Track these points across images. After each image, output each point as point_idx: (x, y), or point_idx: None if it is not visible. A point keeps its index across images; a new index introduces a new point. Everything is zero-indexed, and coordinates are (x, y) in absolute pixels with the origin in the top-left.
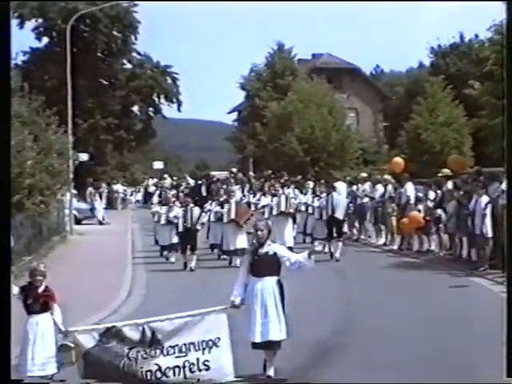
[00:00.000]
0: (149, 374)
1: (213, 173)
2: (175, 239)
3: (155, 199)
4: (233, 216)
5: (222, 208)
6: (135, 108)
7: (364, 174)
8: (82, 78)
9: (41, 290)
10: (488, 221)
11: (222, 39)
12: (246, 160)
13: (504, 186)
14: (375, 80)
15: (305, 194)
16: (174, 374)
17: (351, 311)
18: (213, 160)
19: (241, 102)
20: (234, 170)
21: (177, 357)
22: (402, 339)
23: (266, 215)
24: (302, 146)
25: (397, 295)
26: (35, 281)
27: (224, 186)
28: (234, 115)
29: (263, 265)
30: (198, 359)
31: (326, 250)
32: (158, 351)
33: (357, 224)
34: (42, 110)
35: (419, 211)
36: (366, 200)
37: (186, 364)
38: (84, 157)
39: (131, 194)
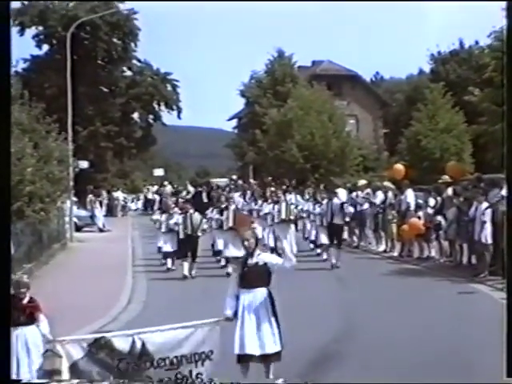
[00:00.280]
0: None
1: (213, 180)
2: (177, 246)
3: (156, 207)
4: (231, 224)
5: (222, 215)
6: (135, 115)
7: (363, 181)
8: (82, 85)
9: (25, 301)
10: (488, 227)
11: (221, 46)
12: (246, 167)
13: (504, 192)
14: (375, 87)
15: (307, 201)
16: None
17: (351, 318)
18: (213, 167)
19: (241, 109)
20: (234, 176)
21: (168, 369)
22: (403, 345)
23: (269, 222)
24: (302, 153)
25: (397, 302)
26: (19, 293)
27: (224, 193)
28: (234, 122)
29: (253, 276)
30: (190, 371)
31: (325, 256)
32: (148, 363)
33: (357, 231)
34: (42, 117)
35: (419, 218)
36: (365, 207)
37: (179, 376)
38: (84, 164)
39: (132, 201)
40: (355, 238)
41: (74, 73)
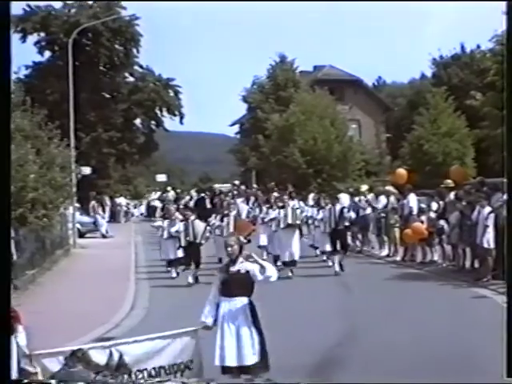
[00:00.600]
0: None
1: (216, 185)
2: (179, 253)
3: (158, 213)
4: (231, 230)
5: (223, 222)
6: (137, 121)
7: (365, 186)
8: (84, 91)
9: None
10: (490, 231)
11: (224, 52)
12: (248, 172)
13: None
14: (377, 91)
15: (312, 207)
16: None
17: (354, 322)
18: (215, 173)
19: (243, 115)
20: (237, 182)
21: (146, 381)
22: (405, 349)
23: (273, 228)
24: (305, 158)
25: (400, 306)
26: None
27: (228, 199)
28: (237, 128)
29: (234, 284)
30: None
31: (330, 263)
32: (125, 375)
33: (360, 235)
34: (44, 123)
35: (422, 222)
36: (368, 211)
37: None
38: (87, 170)
39: (134, 207)
40: (358, 243)
41: (76, 79)
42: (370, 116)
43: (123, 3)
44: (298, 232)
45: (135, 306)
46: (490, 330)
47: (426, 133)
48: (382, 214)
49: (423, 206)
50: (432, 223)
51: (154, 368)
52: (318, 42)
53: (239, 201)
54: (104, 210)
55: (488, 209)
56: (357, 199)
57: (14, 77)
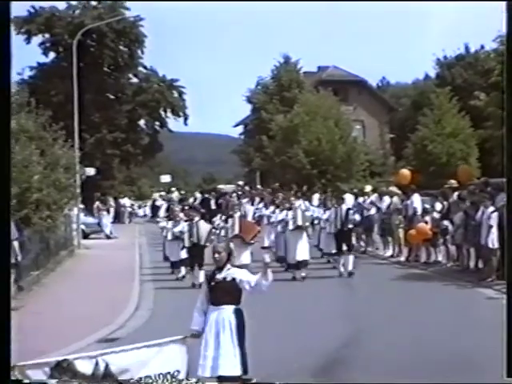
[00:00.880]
0: None
1: (220, 186)
2: (183, 254)
3: (162, 214)
4: (237, 231)
5: (227, 223)
6: (142, 122)
7: (369, 187)
8: (88, 92)
9: None
10: (494, 231)
11: (228, 53)
12: (252, 173)
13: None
14: (381, 92)
15: (318, 207)
16: None
17: (358, 323)
18: (220, 173)
19: (247, 115)
20: (241, 183)
21: None
22: (408, 349)
23: (279, 229)
24: (309, 159)
25: (404, 306)
26: None
27: (234, 199)
28: (241, 128)
29: (220, 292)
30: None
31: (335, 265)
32: None
33: (364, 236)
34: (48, 124)
35: (426, 223)
36: (373, 212)
37: None
38: (91, 171)
39: (139, 208)
40: (362, 243)
41: (80, 80)
42: (374, 116)
43: (127, 4)
44: (305, 234)
45: (140, 307)
46: (493, 331)
47: (430, 133)
48: (387, 215)
49: (427, 206)
50: (436, 223)
51: (140, 378)
52: (322, 43)
53: (244, 201)
54: (108, 211)
55: (492, 209)
56: (361, 200)
57: (18, 78)
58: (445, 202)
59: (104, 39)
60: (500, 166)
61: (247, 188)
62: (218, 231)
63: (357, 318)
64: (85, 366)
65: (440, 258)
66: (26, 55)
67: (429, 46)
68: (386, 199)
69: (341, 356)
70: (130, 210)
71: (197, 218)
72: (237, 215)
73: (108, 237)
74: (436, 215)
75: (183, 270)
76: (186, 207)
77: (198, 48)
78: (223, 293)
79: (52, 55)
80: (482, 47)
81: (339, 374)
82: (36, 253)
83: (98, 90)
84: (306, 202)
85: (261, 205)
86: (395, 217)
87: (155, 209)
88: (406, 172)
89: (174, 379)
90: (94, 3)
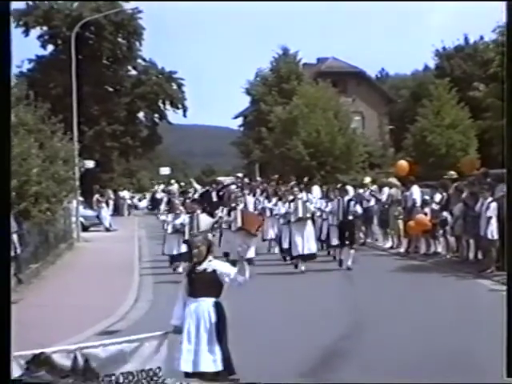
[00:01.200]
0: None
1: (219, 178)
2: (183, 248)
3: (163, 207)
4: (240, 224)
5: (230, 216)
6: (141, 114)
7: (368, 179)
8: (87, 85)
9: None
10: (494, 223)
11: (226, 44)
12: (252, 165)
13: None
14: (380, 83)
15: (320, 199)
16: None
17: (358, 314)
18: (219, 165)
19: (246, 107)
20: (240, 175)
21: None
22: (407, 341)
23: (282, 221)
24: (308, 151)
25: (404, 298)
26: None
27: (235, 191)
28: (240, 120)
29: (200, 284)
30: None
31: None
32: (94, 381)
33: (363, 227)
34: (47, 117)
35: (425, 214)
36: (372, 203)
37: None
38: (90, 164)
39: (139, 201)
40: (362, 235)
41: (79, 73)
42: (373, 108)
43: None
44: (311, 224)
45: (139, 298)
46: (493, 322)
47: (430, 124)
48: (386, 206)
49: (427, 197)
50: (435, 215)
51: (122, 373)
52: (321, 35)
53: (245, 193)
54: (107, 204)
55: (491, 200)
56: (361, 191)
57: (17, 71)
58: (444, 194)
59: (102, 32)
60: (499, 157)
61: (246, 180)
62: (221, 223)
63: (356, 309)
64: (63, 360)
65: (439, 250)
66: (25, 48)
67: (428, 37)
68: (386, 190)
69: (339, 348)
70: (129, 202)
71: (198, 211)
72: (239, 208)
73: (107, 229)
74: (435, 206)
75: (182, 265)
76: (188, 200)
77: (196, 40)
78: (202, 285)
79: (50, 48)
80: (481, 38)
81: (337, 366)
82: (35, 246)
83: (97, 82)
84: (309, 194)
85: (262, 197)
86: (394, 208)
87: (155, 201)
88: (403, 163)
89: (155, 375)
90: None
